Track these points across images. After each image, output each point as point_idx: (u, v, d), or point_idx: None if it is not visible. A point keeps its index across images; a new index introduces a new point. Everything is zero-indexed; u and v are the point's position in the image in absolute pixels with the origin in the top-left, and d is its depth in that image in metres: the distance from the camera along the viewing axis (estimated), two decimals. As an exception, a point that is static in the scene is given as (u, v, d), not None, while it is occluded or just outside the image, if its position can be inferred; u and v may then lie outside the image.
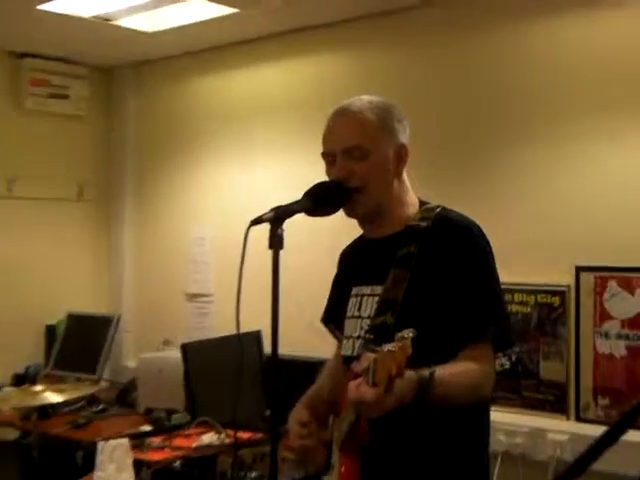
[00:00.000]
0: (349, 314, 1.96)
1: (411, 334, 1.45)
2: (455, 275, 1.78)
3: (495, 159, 3.70)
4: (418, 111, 3.33)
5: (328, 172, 1.92)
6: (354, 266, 2.05)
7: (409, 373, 1.54)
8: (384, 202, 1.90)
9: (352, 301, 1.96)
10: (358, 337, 1.89)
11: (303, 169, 4.07)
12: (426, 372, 1.62)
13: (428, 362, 1.64)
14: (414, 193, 1.99)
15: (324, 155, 1.93)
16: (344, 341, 1.98)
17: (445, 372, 1.65)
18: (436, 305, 1.77)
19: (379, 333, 1.78)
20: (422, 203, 1.97)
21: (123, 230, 5.35)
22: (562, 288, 3.44)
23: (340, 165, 1.87)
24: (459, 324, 1.76)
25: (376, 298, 1.86)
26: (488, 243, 1.86)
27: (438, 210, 1.91)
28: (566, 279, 3.44)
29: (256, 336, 3.96)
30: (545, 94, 3.53)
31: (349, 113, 1.90)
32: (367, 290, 1.92)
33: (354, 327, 1.93)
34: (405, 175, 1.96)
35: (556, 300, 3.43)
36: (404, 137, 1.94)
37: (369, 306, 1.88)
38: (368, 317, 1.87)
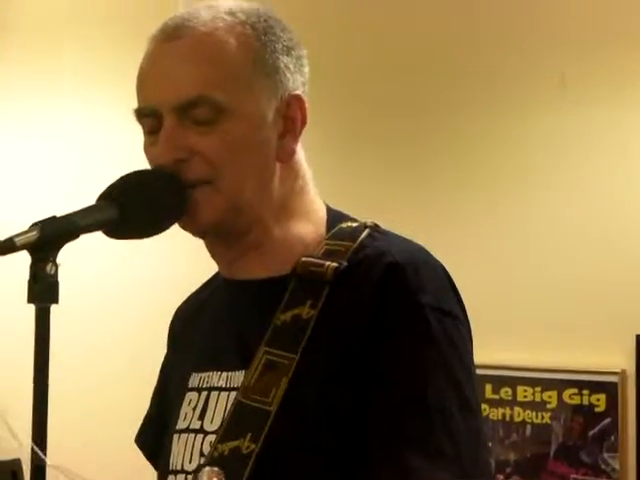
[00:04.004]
0: (182, 425, 1.40)
1: None
2: (390, 369, 1.27)
3: (487, 133, 3.01)
4: (327, 50, 2.88)
5: (147, 149, 1.38)
6: (196, 334, 1.52)
7: None
8: (252, 206, 1.36)
9: (189, 400, 1.41)
10: (196, 471, 1.34)
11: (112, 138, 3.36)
12: None
13: None
14: (319, 198, 1.48)
15: (139, 114, 1.39)
16: (169, 478, 1.43)
17: None
18: (349, 424, 1.25)
19: (231, 467, 1.26)
20: (334, 217, 1.44)
21: None
22: (612, 377, 2.78)
23: (169, 137, 1.32)
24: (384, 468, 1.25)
25: (232, 395, 1.33)
26: (460, 305, 1.34)
27: (364, 234, 1.39)
28: (620, 360, 2.80)
29: (11, 471, 3.17)
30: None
31: (189, 34, 1.34)
32: (218, 379, 1.39)
33: (188, 450, 1.37)
34: (302, 157, 1.40)
35: (600, 400, 2.75)
36: (298, 80, 1.37)
37: (219, 410, 1.35)
38: (216, 432, 1.33)
